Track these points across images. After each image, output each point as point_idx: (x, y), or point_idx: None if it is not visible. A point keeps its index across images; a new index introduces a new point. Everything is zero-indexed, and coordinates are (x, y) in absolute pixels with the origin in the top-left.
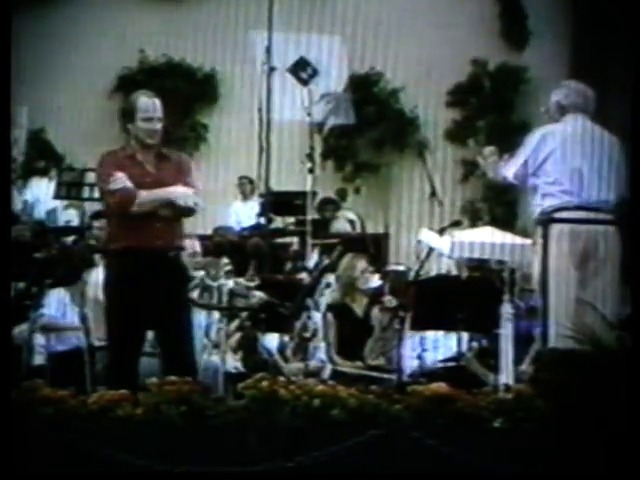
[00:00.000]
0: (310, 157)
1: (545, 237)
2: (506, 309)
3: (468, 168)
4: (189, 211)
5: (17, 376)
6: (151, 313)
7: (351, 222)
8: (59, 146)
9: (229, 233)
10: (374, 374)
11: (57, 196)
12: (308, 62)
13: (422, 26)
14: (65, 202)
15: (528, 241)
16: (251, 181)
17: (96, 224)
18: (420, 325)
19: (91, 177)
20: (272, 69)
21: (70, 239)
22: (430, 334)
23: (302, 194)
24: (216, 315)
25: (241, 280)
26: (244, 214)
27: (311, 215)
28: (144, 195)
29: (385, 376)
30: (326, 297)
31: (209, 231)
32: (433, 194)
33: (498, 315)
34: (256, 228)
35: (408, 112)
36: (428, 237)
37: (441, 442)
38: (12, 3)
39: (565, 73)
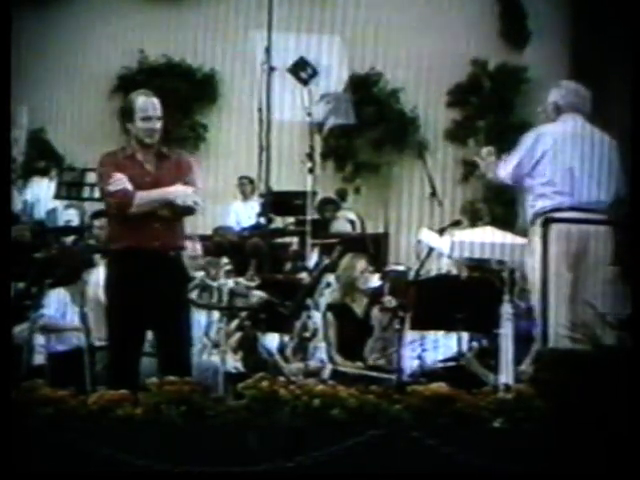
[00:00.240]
0: (310, 157)
1: (545, 237)
2: (506, 309)
3: (468, 168)
4: (188, 210)
5: (17, 376)
6: (151, 313)
7: (351, 222)
8: (59, 146)
9: (229, 233)
10: (374, 374)
11: (57, 196)
12: (308, 62)
13: (422, 26)
14: (65, 202)
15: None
16: (251, 181)
17: (96, 223)
18: (420, 325)
19: (91, 177)
20: (272, 69)
21: (70, 239)
22: (430, 334)
23: (302, 194)
24: (216, 315)
25: (241, 280)
26: (244, 214)
27: (311, 215)
28: (143, 196)
29: (385, 376)
30: (326, 297)
31: (209, 231)
32: (433, 194)
33: (498, 315)
34: (256, 228)
35: (408, 112)
36: (428, 237)
37: (441, 442)
38: (12, 3)
39: (565, 73)
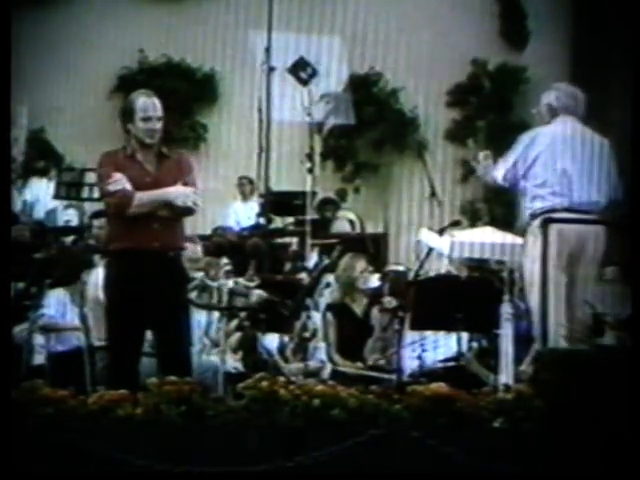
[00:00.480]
0: (310, 157)
1: (543, 237)
2: (506, 309)
3: (468, 168)
4: (188, 211)
5: (17, 376)
6: (150, 313)
7: (351, 222)
8: (59, 146)
9: (229, 233)
10: (374, 374)
11: (57, 196)
12: (308, 62)
13: (422, 26)
14: (65, 202)
15: None
16: (251, 181)
17: (96, 223)
18: (420, 325)
19: (91, 177)
20: (272, 69)
21: (70, 239)
22: (430, 334)
23: (302, 194)
24: (216, 315)
25: (241, 280)
26: (244, 214)
27: (311, 215)
28: (142, 196)
29: (385, 376)
30: (326, 297)
31: (209, 231)
32: (433, 194)
33: (498, 315)
34: (256, 228)
35: (408, 112)
36: (428, 237)
37: (441, 442)
38: (12, 3)
39: (565, 73)
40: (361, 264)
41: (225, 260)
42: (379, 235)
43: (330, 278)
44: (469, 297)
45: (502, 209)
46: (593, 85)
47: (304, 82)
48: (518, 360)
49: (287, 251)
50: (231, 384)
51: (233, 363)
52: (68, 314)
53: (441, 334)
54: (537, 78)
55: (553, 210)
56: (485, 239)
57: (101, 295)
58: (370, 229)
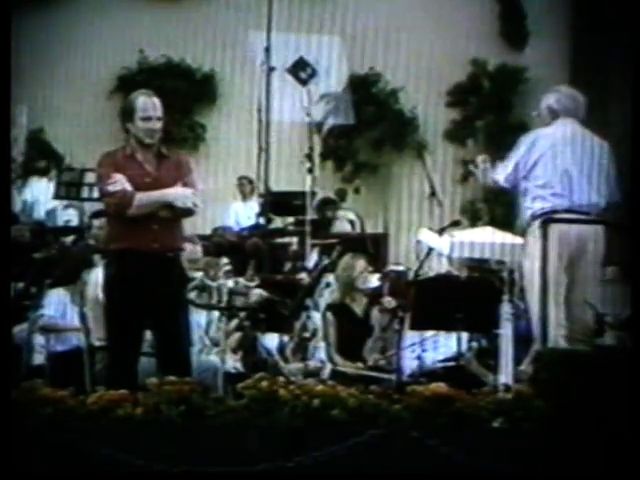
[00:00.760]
0: (309, 157)
1: (544, 238)
2: (506, 309)
3: (468, 168)
4: (188, 212)
5: (17, 376)
6: (149, 313)
7: (351, 222)
8: (59, 146)
9: (228, 233)
10: (374, 374)
11: (56, 196)
12: (307, 62)
13: (422, 26)
14: (64, 202)
15: None
16: (250, 181)
17: (96, 223)
18: (419, 325)
19: (90, 177)
20: (271, 69)
21: (69, 239)
22: (430, 334)
23: (301, 194)
24: (216, 314)
25: (241, 280)
26: (243, 214)
27: (310, 215)
28: (142, 197)
29: (385, 376)
30: (325, 297)
31: (209, 231)
32: (433, 194)
33: (498, 315)
34: (255, 228)
35: (407, 112)
36: (427, 237)
37: (441, 442)
38: (12, 3)
39: (565, 73)
40: (361, 264)
41: (225, 260)
42: (379, 235)
43: (330, 278)
44: (469, 297)
45: (502, 209)
46: (593, 86)
47: (304, 82)
48: (518, 360)
49: (287, 251)
50: (231, 384)
51: (233, 363)
52: (68, 314)
53: (441, 334)
54: (537, 78)
55: (554, 211)
56: (485, 239)
57: (101, 295)
58: (370, 229)
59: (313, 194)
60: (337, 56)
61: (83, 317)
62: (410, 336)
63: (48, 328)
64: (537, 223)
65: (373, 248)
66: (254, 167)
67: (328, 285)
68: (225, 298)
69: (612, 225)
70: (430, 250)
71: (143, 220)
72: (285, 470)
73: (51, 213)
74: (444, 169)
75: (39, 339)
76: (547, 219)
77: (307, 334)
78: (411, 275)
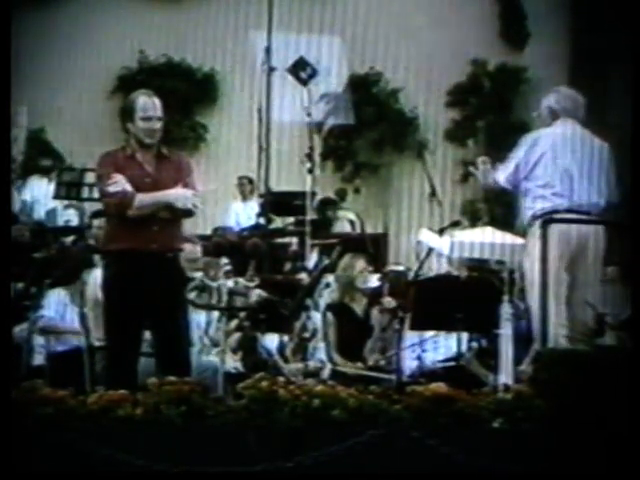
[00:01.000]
0: (309, 157)
1: (544, 238)
2: (505, 309)
3: (468, 169)
4: (188, 213)
5: (17, 376)
6: (148, 313)
7: (351, 222)
8: (59, 146)
9: (228, 233)
10: (374, 374)
11: (57, 196)
12: (307, 62)
13: (422, 26)
14: (64, 202)
15: None
16: (251, 181)
17: (96, 223)
18: (419, 325)
19: (91, 177)
20: (272, 69)
21: (69, 239)
22: (430, 334)
23: (301, 194)
24: (215, 314)
25: (241, 280)
26: (244, 214)
27: (310, 215)
28: (142, 198)
29: (385, 376)
30: (325, 297)
31: (209, 231)
32: (433, 194)
33: (497, 315)
34: (255, 228)
35: (408, 112)
36: (428, 237)
37: (441, 442)
38: (12, 3)
39: (565, 73)
40: (361, 264)
41: (225, 260)
42: (379, 235)
43: (330, 278)
44: (469, 297)
45: (502, 209)
46: (592, 85)
47: (304, 82)
48: (518, 360)
49: (287, 251)
50: (231, 384)
51: (233, 363)
52: (68, 315)
53: (441, 334)
54: (537, 79)
55: (554, 211)
56: (485, 239)
57: (100, 295)
58: (370, 229)
59: (313, 194)
60: (337, 56)
61: (83, 317)
62: (410, 336)
63: (48, 330)
64: (537, 223)
65: (373, 248)
66: (254, 167)
67: (328, 285)
68: (225, 298)
69: (612, 225)
70: (430, 250)
71: (143, 221)
72: (285, 470)
73: (51, 213)
74: (444, 169)
75: (39, 339)
76: (548, 219)
77: (307, 334)
78: (411, 275)
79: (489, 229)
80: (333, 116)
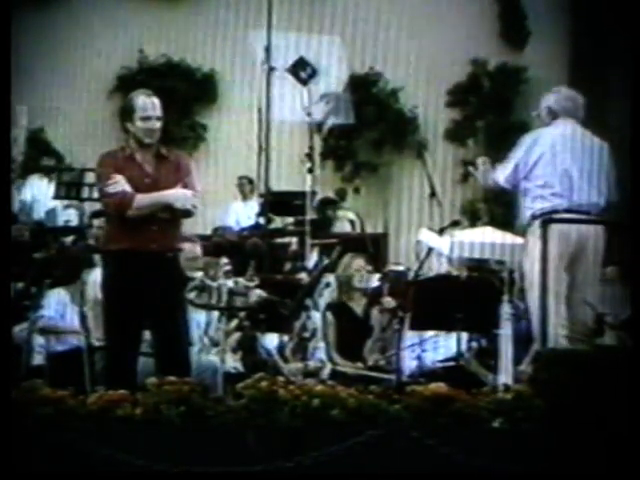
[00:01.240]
0: (309, 157)
1: (544, 238)
2: (505, 309)
3: (467, 169)
4: (187, 213)
5: (17, 376)
6: (148, 313)
7: (351, 222)
8: (59, 146)
9: (228, 233)
10: (373, 374)
11: (56, 196)
12: (307, 62)
13: (422, 26)
14: (64, 202)
15: None
16: (250, 181)
17: (96, 223)
18: (419, 325)
19: (90, 177)
20: (271, 69)
21: (69, 239)
22: (430, 334)
23: (301, 194)
24: (215, 314)
25: (241, 280)
26: (243, 214)
27: (310, 215)
28: (142, 199)
29: (384, 376)
30: (325, 297)
31: (208, 231)
32: (432, 194)
33: (497, 315)
34: (255, 228)
35: (407, 112)
36: (427, 237)
37: (441, 442)
38: (12, 3)
39: (565, 73)
40: (361, 264)
41: (225, 260)
42: (379, 235)
43: (330, 278)
44: (469, 297)
45: (502, 209)
46: (592, 86)
47: (304, 82)
48: (518, 360)
49: (287, 251)
50: (230, 384)
51: (232, 363)
52: (68, 315)
53: (441, 334)
54: (537, 79)
55: (554, 211)
56: (485, 239)
57: (100, 295)
58: (370, 229)
59: (313, 194)
60: (337, 56)
61: (83, 317)
62: (410, 336)
63: (48, 329)
64: (537, 223)
65: (373, 248)
66: (254, 167)
67: (328, 285)
68: (225, 298)
69: (612, 225)
70: (430, 250)
71: (142, 221)
72: (284, 470)
73: (51, 213)
74: (444, 169)
75: (39, 339)
76: (547, 219)
77: (307, 334)
78: (411, 275)
79: (489, 229)
80: (333, 116)
